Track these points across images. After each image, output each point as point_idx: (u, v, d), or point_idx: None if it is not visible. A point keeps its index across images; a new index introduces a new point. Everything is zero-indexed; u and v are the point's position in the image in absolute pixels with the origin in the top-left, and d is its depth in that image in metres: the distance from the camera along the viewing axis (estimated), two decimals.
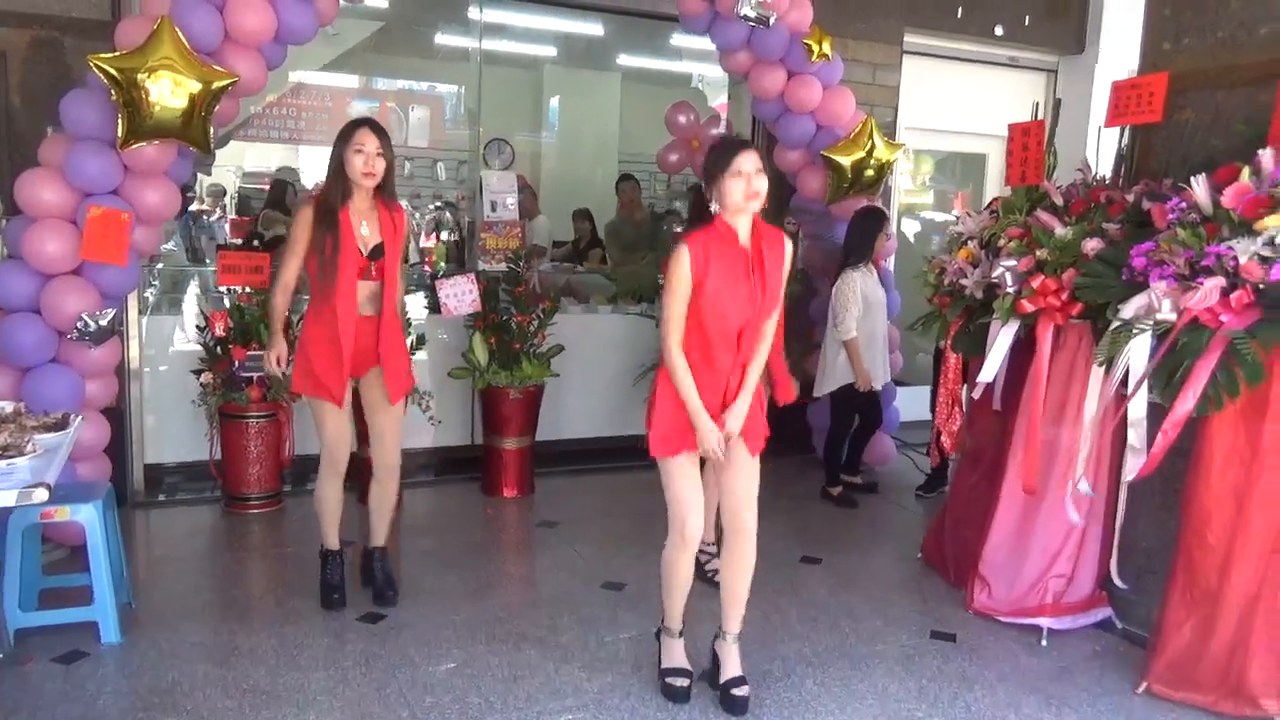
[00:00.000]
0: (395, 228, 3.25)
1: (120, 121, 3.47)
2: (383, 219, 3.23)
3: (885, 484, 5.29)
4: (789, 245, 2.69)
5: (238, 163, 8.46)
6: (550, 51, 8.49)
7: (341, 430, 3.31)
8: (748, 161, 2.52)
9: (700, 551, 3.74)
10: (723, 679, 2.80)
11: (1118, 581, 3.12)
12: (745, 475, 2.74)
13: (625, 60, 8.68)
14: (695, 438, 2.66)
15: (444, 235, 6.95)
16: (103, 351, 3.80)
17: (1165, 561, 3.05)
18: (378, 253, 3.20)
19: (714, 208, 2.60)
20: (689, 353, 2.62)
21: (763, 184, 2.54)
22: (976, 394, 3.71)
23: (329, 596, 3.40)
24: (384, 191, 3.22)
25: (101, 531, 3.06)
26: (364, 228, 3.18)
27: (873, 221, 4.79)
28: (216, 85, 3.59)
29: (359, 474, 3.93)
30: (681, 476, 2.69)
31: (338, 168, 3.13)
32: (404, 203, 5.40)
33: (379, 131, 3.12)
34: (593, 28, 7.80)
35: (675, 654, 2.87)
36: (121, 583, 3.31)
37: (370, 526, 3.48)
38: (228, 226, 8.00)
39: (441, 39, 7.80)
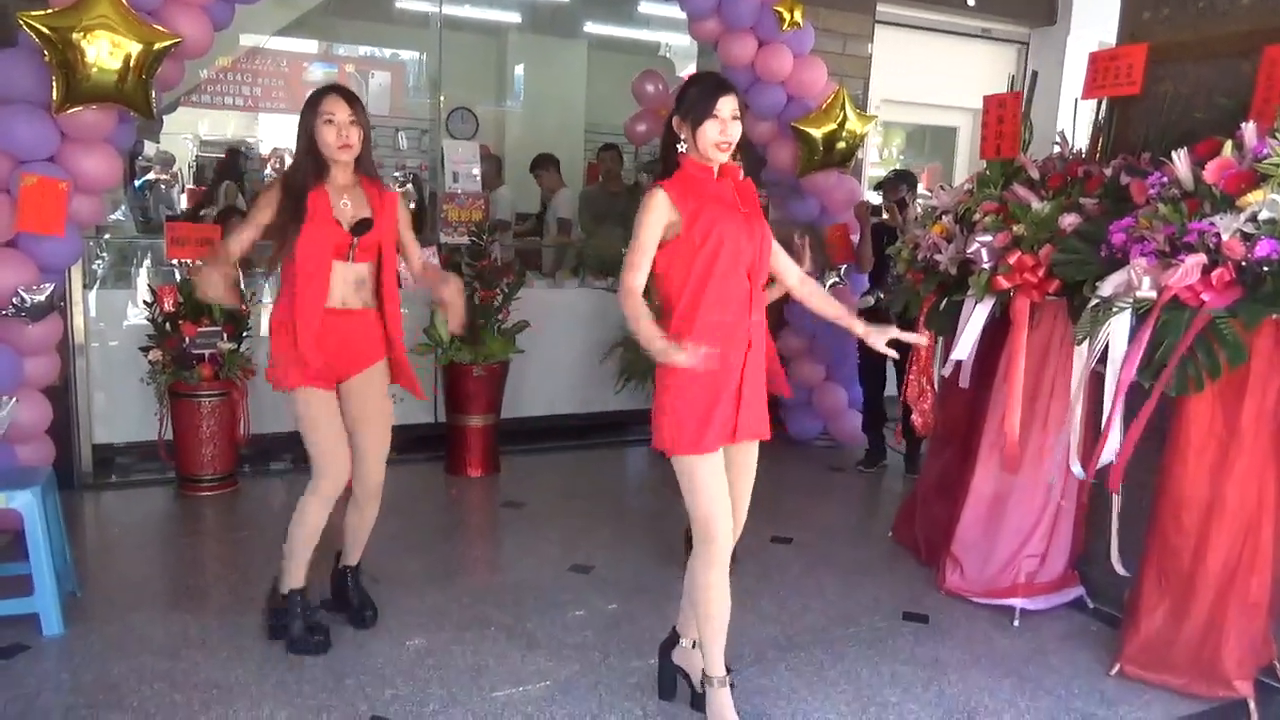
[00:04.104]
0: (385, 206, 2.83)
1: (55, 84, 3.27)
2: (370, 195, 2.82)
3: (852, 462, 5.24)
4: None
5: (193, 130, 8.19)
6: (514, 18, 8.28)
7: (338, 434, 2.82)
8: (726, 105, 2.31)
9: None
10: (698, 688, 2.60)
11: (1119, 569, 3.06)
12: (749, 477, 2.51)
13: (592, 28, 8.49)
14: (727, 430, 2.35)
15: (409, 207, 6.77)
16: (42, 328, 3.61)
17: (1138, 541, 3.01)
18: (363, 227, 2.76)
19: (683, 147, 2.37)
20: (696, 329, 2.30)
21: (737, 131, 2.33)
22: (947, 371, 3.65)
23: (310, 639, 2.89)
24: (364, 167, 2.83)
25: (41, 518, 2.91)
26: (344, 203, 2.78)
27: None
28: (158, 46, 3.40)
29: None
30: (712, 477, 2.34)
31: (308, 144, 2.74)
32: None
33: (349, 97, 2.74)
34: None
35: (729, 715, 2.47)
36: (65, 571, 3.16)
37: (345, 544, 3.10)
38: (184, 196, 7.77)
39: (401, 3, 7.56)
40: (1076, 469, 3.06)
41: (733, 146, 2.34)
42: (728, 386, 2.37)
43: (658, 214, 2.31)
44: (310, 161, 2.76)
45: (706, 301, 2.32)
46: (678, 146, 2.38)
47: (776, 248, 2.53)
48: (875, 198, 5.56)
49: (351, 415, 2.90)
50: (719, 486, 2.37)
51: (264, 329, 4.86)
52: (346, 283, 2.80)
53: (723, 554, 2.39)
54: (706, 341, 2.28)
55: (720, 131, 2.31)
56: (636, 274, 2.32)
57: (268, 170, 7.90)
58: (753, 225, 2.38)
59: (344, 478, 2.87)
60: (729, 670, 2.53)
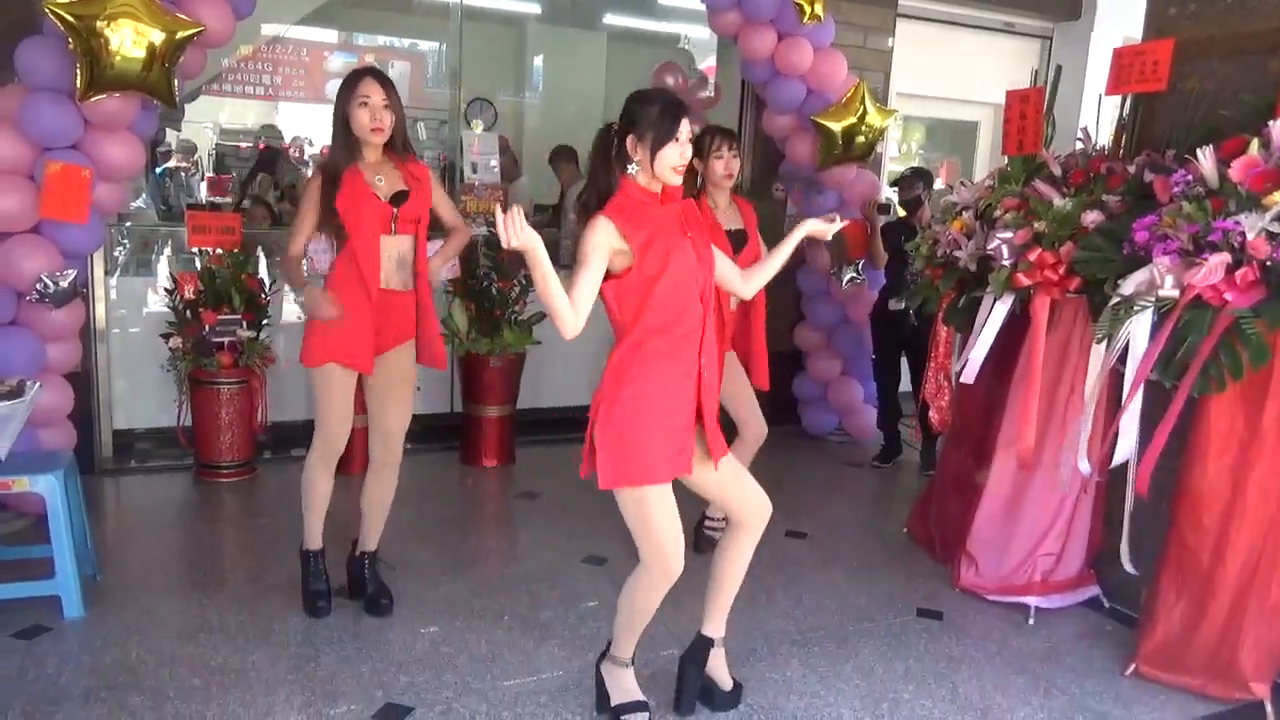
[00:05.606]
0: (419, 181, 2.91)
1: (79, 72, 3.30)
2: (403, 171, 2.90)
3: (867, 457, 5.24)
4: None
5: (214, 119, 8.22)
6: (534, 9, 8.27)
7: (348, 408, 2.95)
8: (685, 128, 2.23)
9: (709, 527, 3.66)
10: (723, 689, 2.62)
11: (1128, 566, 3.03)
12: (745, 479, 2.46)
13: (611, 19, 8.46)
14: (678, 461, 2.26)
15: None
16: (65, 314, 3.65)
17: (1156, 541, 2.99)
18: (401, 199, 2.85)
19: (633, 169, 2.25)
20: (648, 355, 2.26)
21: (690, 153, 2.28)
22: (958, 366, 3.63)
23: (314, 604, 3.05)
24: (396, 147, 2.89)
25: (63, 502, 2.95)
26: (379, 179, 2.85)
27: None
28: (181, 35, 3.42)
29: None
30: (663, 509, 2.27)
31: (342, 125, 2.81)
32: None
33: (384, 81, 2.79)
34: None
35: (628, 685, 2.50)
36: (85, 554, 3.20)
37: (362, 527, 3.15)
38: (204, 185, 7.81)
39: None
40: (1083, 465, 3.04)
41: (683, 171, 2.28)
42: (680, 413, 2.29)
43: (603, 235, 2.18)
44: (344, 142, 2.83)
45: (661, 329, 2.25)
46: (629, 168, 2.25)
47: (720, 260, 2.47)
48: (892, 194, 5.53)
49: (379, 386, 3.00)
50: (671, 518, 2.29)
51: (284, 317, 4.92)
52: (391, 260, 2.87)
53: (670, 584, 2.35)
54: (657, 368, 2.25)
55: (681, 155, 2.24)
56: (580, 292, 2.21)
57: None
58: (700, 250, 2.30)
59: (342, 444, 3.00)
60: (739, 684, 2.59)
